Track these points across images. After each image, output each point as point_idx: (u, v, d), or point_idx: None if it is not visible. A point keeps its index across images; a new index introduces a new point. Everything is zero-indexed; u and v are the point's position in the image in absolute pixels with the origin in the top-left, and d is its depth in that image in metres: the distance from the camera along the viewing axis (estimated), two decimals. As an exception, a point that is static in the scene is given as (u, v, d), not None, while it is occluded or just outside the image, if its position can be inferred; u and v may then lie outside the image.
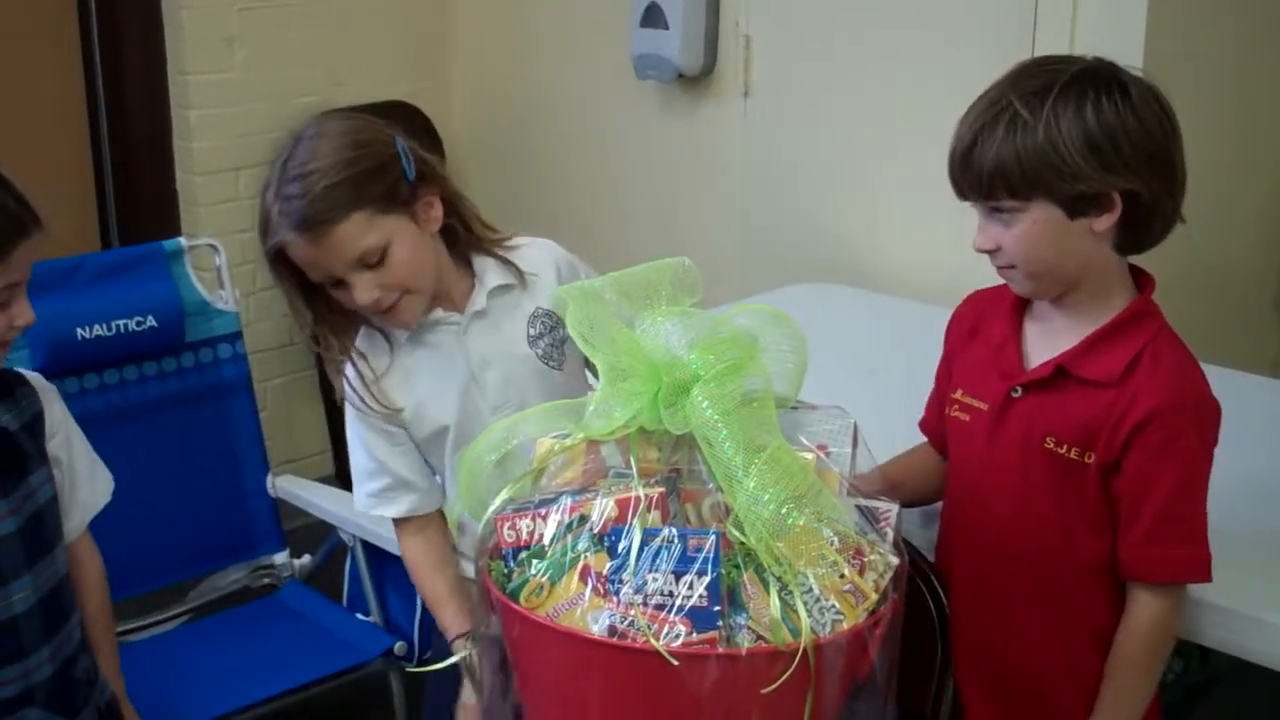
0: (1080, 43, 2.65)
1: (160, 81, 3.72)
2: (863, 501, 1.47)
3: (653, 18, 3.43)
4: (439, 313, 1.90)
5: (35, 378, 1.89)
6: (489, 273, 1.92)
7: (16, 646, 1.78)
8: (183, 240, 2.90)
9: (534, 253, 1.97)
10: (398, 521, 1.96)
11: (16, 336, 1.78)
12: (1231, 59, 2.87)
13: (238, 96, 3.76)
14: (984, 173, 1.61)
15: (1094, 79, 1.59)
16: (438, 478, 1.96)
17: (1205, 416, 1.64)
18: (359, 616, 2.79)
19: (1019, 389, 1.70)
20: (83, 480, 1.93)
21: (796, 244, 3.35)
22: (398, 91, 3.97)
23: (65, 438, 1.90)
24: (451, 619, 1.88)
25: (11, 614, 1.77)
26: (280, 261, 1.82)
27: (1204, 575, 1.64)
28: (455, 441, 1.90)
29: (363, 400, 1.89)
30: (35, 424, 1.84)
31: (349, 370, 1.90)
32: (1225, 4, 2.88)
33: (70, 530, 1.91)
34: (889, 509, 1.48)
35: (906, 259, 3.12)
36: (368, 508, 1.96)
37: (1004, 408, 1.71)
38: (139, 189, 3.82)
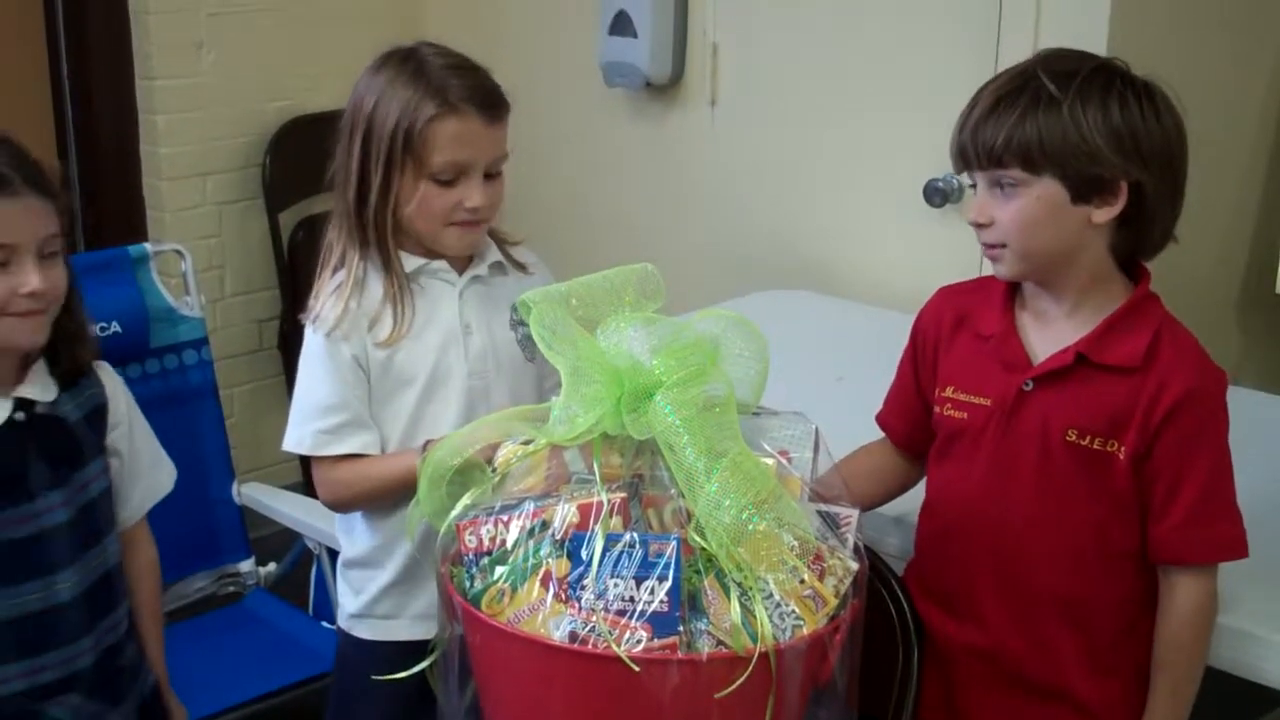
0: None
1: (128, 86, 3.70)
2: (823, 507, 1.47)
3: (621, 25, 3.44)
4: (441, 264, 1.96)
5: (104, 368, 1.88)
6: (491, 250, 2.01)
7: (58, 634, 1.78)
8: (148, 245, 2.87)
9: (532, 255, 2.07)
10: (337, 459, 1.93)
11: (31, 305, 1.70)
12: (1194, 67, 2.90)
13: (206, 101, 3.74)
14: (998, 139, 1.60)
15: (1119, 73, 1.63)
16: None
17: (1224, 390, 1.66)
18: (324, 624, 2.78)
19: (1030, 382, 1.68)
20: (144, 470, 1.95)
21: (762, 251, 3.36)
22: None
23: (128, 429, 1.91)
24: (408, 453, 1.89)
25: (56, 602, 1.77)
26: (407, 136, 1.87)
27: (1244, 551, 1.65)
28: (418, 401, 1.93)
29: (340, 325, 1.90)
30: (97, 415, 1.85)
31: (340, 297, 1.92)
32: (1187, 14, 2.91)
33: (126, 518, 1.93)
34: (850, 514, 1.48)
35: (872, 266, 3.13)
36: (315, 446, 1.93)
37: (1015, 403, 1.69)
38: (106, 194, 3.79)
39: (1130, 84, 1.62)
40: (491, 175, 1.92)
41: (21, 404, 1.75)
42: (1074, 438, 1.66)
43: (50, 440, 1.77)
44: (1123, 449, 1.64)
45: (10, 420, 1.73)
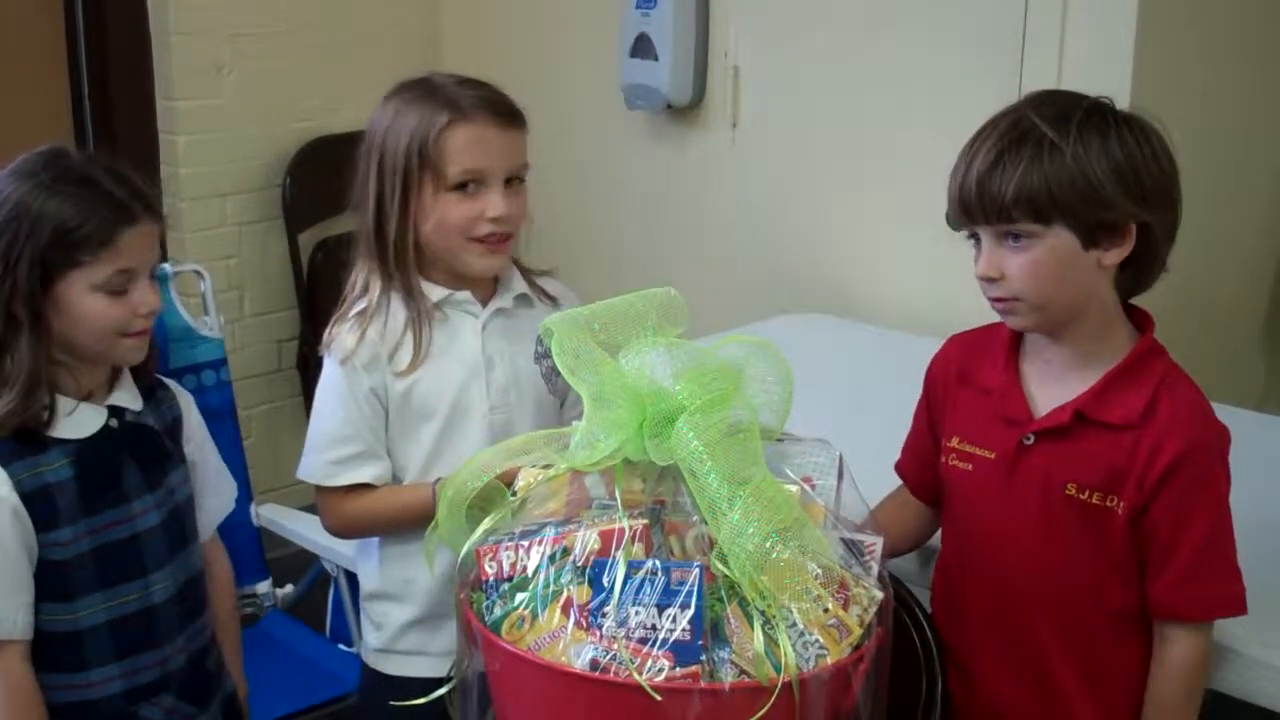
0: (1067, 81, 2.65)
1: (148, 107, 3.71)
2: (847, 535, 1.46)
3: (642, 48, 3.44)
4: (466, 295, 1.93)
5: (173, 384, 1.96)
6: (515, 280, 1.99)
7: (154, 635, 1.85)
8: (168, 266, 2.87)
9: (561, 286, 2.04)
10: (347, 489, 1.93)
11: (147, 326, 1.81)
12: (1217, 96, 2.88)
13: (226, 122, 3.75)
14: (1007, 195, 1.57)
15: (1110, 111, 1.60)
16: None
17: (1225, 448, 1.63)
18: (341, 647, 2.77)
19: (1031, 436, 1.67)
20: (211, 486, 1.99)
21: (784, 275, 3.35)
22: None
23: (200, 443, 1.97)
24: (417, 488, 1.90)
25: (152, 603, 1.84)
26: (421, 150, 1.86)
27: (1242, 608, 1.62)
28: (439, 434, 1.92)
29: (357, 354, 1.89)
30: (175, 427, 1.92)
31: (359, 325, 1.90)
32: (1212, 43, 2.90)
33: (200, 530, 1.97)
34: (874, 542, 1.47)
35: (894, 290, 3.12)
36: (325, 476, 1.93)
37: (1016, 456, 1.67)
38: (126, 215, 3.80)
39: (1125, 121, 1.60)
40: (512, 186, 1.90)
41: (114, 412, 1.82)
42: (1073, 491, 1.64)
43: (141, 446, 1.85)
44: (1121, 504, 1.62)
45: (106, 427, 1.81)
